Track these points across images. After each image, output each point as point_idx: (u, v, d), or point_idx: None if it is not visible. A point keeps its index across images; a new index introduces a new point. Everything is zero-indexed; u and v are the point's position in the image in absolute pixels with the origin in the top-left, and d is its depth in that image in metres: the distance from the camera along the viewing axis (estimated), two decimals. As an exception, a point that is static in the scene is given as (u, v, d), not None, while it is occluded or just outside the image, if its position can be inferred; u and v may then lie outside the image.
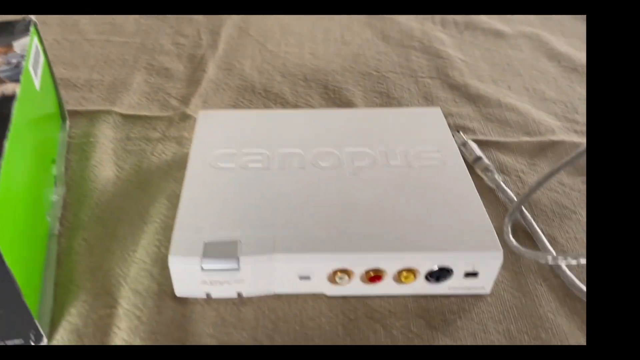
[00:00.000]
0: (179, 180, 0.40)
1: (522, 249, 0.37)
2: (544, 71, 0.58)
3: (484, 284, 0.34)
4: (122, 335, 0.32)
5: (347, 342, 0.32)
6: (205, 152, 0.40)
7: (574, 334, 0.33)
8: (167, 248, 0.37)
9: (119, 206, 0.41)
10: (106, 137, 0.48)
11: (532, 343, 0.32)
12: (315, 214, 0.35)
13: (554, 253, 0.36)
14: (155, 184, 0.43)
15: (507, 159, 0.46)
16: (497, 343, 0.32)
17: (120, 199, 0.41)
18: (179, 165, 0.44)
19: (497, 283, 0.36)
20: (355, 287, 0.34)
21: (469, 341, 0.32)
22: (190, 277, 0.33)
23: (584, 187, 0.43)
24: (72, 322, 0.32)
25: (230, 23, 0.66)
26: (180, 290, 0.34)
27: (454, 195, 0.37)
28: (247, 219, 0.34)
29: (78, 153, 0.46)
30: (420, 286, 0.34)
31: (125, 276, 0.35)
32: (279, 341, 0.32)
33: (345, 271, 0.33)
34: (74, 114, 0.50)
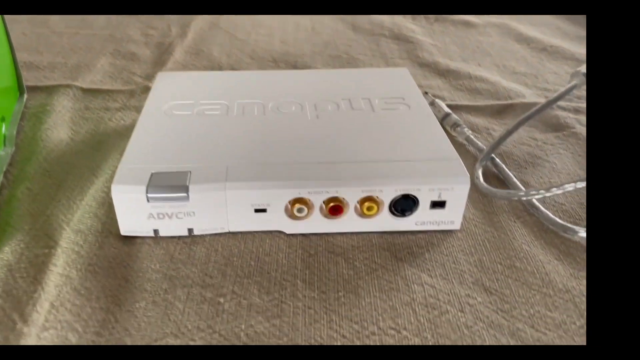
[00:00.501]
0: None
1: (493, 189, 0.35)
2: (514, 51, 0.58)
3: (453, 217, 0.32)
4: (58, 270, 0.29)
5: (306, 275, 0.29)
6: (161, 103, 0.38)
7: (551, 263, 0.30)
8: (115, 193, 0.35)
9: (70, 162, 0.39)
10: (64, 107, 0.46)
11: (506, 272, 0.30)
12: (273, 147, 0.33)
13: (527, 189, 0.34)
14: (111, 143, 0.41)
15: (477, 120, 0.45)
16: (467, 274, 0.29)
17: (72, 156, 0.39)
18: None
19: (467, 220, 0.33)
20: (316, 223, 0.32)
21: (438, 272, 0.30)
22: (136, 210, 0.30)
23: (556, 141, 0.42)
24: (4, 258, 0.30)
25: (201, 18, 0.66)
26: (125, 226, 0.31)
27: (419, 132, 0.35)
28: (200, 152, 0.32)
29: (32, 120, 0.44)
30: (385, 220, 0.32)
31: (69, 221, 0.33)
32: (232, 275, 0.29)
33: (303, 202, 0.31)
34: (33, 89, 0.48)
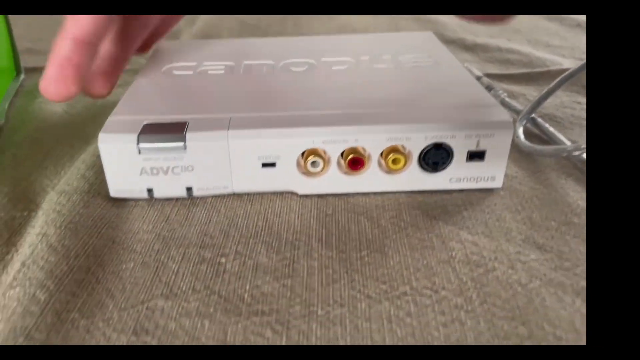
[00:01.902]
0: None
1: (538, 147, 0.30)
2: (546, 28, 0.54)
3: (494, 172, 0.27)
4: (35, 231, 0.25)
5: (322, 235, 0.25)
6: (160, 65, 0.35)
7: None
8: (108, 156, 0.31)
9: (61, 132, 0.35)
10: (61, 84, 0.42)
11: (562, 229, 0.25)
12: (285, 99, 0.29)
13: (578, 143, 0.30)
14: (107, 115, 0.37)
15: (511, 87, 0.40)
16: (515, 232, 0.25)
17: (64, 127, 0.36)
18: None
19: (510, 179, 0.29)
20: (333, 181, 0.27)
21: (479, 230, 0.25)
22: (127, 165, 0.26)
23: (604, 105, 0.37)
24: (-25, 219, 0.26)
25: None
26: (115, 186, 0.27)
27: (450, 83, 0.31)
28: (200, 105, 0.29)
29: (26, 96, 0.41)
30: (414, 177, 0.27)
31: (54, 185, 0.29)
32: (235, 236, 0.25)
33: (318, 153, 0.26)
34: (31, 70, 0.45)
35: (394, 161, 0.26)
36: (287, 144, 0.26)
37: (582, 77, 0.41)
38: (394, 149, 0.26)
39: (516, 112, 0.35)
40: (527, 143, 0.31)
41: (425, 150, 0.27)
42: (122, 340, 0.19)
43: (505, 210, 0.26)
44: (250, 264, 0.23)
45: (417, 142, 0.26)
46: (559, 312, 0.20)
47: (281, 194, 0.28)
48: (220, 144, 0.26)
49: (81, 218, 0.25)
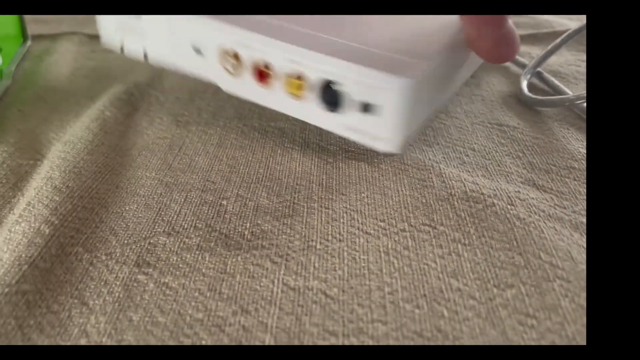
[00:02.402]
0: (144, 74, 0.35)
1: (541, 98, 0.30)
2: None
3: (387, 133, 0.23)
4: (40, 176, 0.25)
5: (323, 180, 0.25)
6: None
7: (616, 162, 0.25)
8: (111, 111, 0.31)
9: (68, 90, 0.35)
10: (67, 49, 0.43)
11: (562, 173, 0.25)
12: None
13: (581, 93, 0.30)
14: (114, 76, 0.38)
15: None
16: (515, 175, 0.25)
17: (70, 86, 0.36)
18: (146, 65, 0.39)
19: (512, 129, 0.29)
20: (247, 86, 0.27)
21: (480, 172, 0.25)
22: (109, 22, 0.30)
23: (610, 61, 0.37)
24: (-18, 166, 0.26)
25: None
26: (104, 37, 0.31)
27: (421, 28, 0.27)
28: None
29: (33, 60, 0.41)
30: (313, 110, 0.25)
31: (59, 138, 0.29)
32: (237, 181, 0.25)
33: (233, 54, 0.26)
34: (38, 37, 0.46)
35: (291, 85, 0.25)
36: (210, 37, 0.26)
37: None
38: (296, 74, 0.25)
39: (523, 67, 0.35)
40: (530, 95, 0.31)
41: (323, 87, 0.24)
42: (125, 272, 0.20)
43: (506, 157, 0.26)
44: (251, 205, 0.23)
45: (313, 74, 0.24)
46: (557, 243, 0.20)
47: (282, 143, 0.28)
48: (164, 23, 0.28)
49: (85, 164, 0.26)
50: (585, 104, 0.29)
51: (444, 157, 0.26)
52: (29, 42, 0.44)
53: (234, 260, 0.20)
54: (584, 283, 0.18)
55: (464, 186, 0.24)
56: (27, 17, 0.50)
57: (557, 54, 0.38)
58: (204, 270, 0.20)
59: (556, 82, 0.33)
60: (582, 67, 0.36)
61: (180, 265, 0.20)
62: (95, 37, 0.46)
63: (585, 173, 0.25)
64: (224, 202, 0.24)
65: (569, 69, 0.36)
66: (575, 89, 0.33)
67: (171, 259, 0.20)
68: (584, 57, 0.38)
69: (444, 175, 0.24)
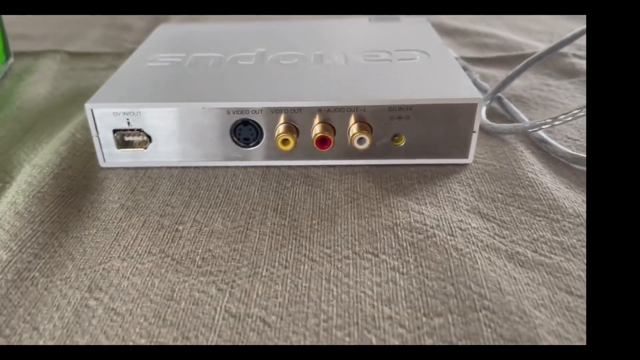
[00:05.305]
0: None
1: (496, 124, 0.31)
2: (527, 14, 0.54)
3: None
4: (5, 200, 0.26)
5: (279, 205, 0.26)
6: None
7: (561, 190, 0.26)
8: (81, 133, 0.32)
9: (43, 111, 0.37)
10: (49, 68, 0.44)
11: (507, 200, 0.26)
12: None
13: (533, 121, 0.31)
14: (89, 96, 0.39)
15: (485, 70, 0.41)
16: (462, 202, 0.26)
17: (46, 106, 0.37)
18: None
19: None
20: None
21: (428, 200, 0.26)
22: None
23: (571, 87, 0.38)
24: (-49, 189, 0.27)
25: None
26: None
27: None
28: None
29: (14, 79, 0.42)
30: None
31: (30, 160, 0.30)
32: (195, 206, 0.26)
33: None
34: (21, 54, 0.47)
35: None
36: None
37: (554, 61, 0.41)
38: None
39: (484, 92, 0.36)
40: (487, 121, 0.32)
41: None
42: (77, 297, 0.21)
43: (457, 184, 0.27)
44: (206, 230, 0.24)
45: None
46: (488, 274, 0.21)
47: (244, 167, 0.29)
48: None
49: (50, 188, 0.27)
50: (537, 131, 0.30)
51: (396, 185, 0.27)
52: (11, 60, 0.45)
53: (181, 286, 0.21)
54: (507, 314, 0.19)
55: (409, 216, 0.25)
56: (11, 33, 0.51)
57: (522, 78, 0.39)
58: (152, 296, 0.21)
59: (514, 108, 0.34)
60: (545, 92, 0.37)
61: (130, 291, 0.21)
62: (76, 55, 0.47)
63: (527, 201, 0.26)
64: (180, 227, 0.25)
65: (532, 93, 0.37)
66: (535, 114, 0.34)
67: (122, 285, 0.21)
68: (549, 81, 0.39)
69: (392, 204, 0.25)
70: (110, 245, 0.24)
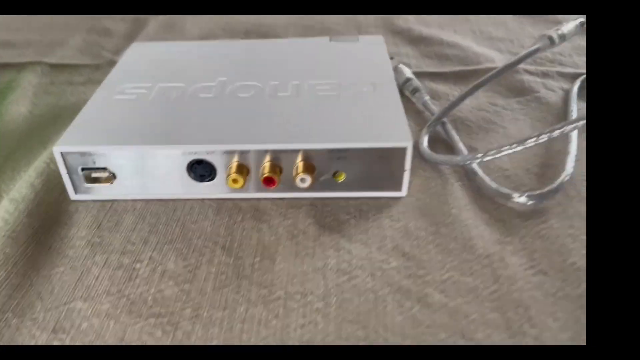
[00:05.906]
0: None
1: (434, 155, 0.34)
2: (495, 17, 0.56)
3: None
4: (-16, 238, 0.29)
5: (227, 242, 0.29)
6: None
7: (478, 228, 0.29)
8: (55, 164, 0.35)
9: (23, 135, 0.39)
10: (29, 82, 0.47)
11: (429, 238, 0.29)
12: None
13: (465, 155, 0.33)
14: (67, 117, 0.41)
15: (439, 87, 0.43)
16: (388, 239, 0.29)
17: (26, 129, 0.40)
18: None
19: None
20: None
21: (359, 238, 0.29)
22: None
23: (517, 107, 0.40)
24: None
25: None
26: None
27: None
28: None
29: (-3, 96, 0.45)
30: None
31: (9, 191, 0.33)
32: (153, 242, 0.29)
33: None
34: (4, 66, 0.49)
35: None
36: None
37: (506, 76, 0.43)
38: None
39: (433, 115, 0.39)
40: (428, 151, 0.35)
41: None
42: (43, 338, 0.24)
43: (388, 219, 0.30)
44: (160, 269, 0.28)
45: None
46: (395, 318, 0.24)
47: (202, 200, 0.32)
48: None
49: (23, 227, 0.30)
50: (470, 164, 0.32)
51: (334, 221, 0.30)
52: (-6, 73, 0.48)
53: (132, 328, 0.25)
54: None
55: (339, 256, 0.28)
56: (-4, 42, 0.53)
57: (474, 96, 0.42)
58: (106, 337, 0.24)
59: (455, 135, 0.36)
60: (490, 113, 0.40)
61: (89, 332, 0.25)
62: (56, 66, 0.49)
63: (446, 239, 0.29)
64: (138, 266, 0.28)
65: (478, 115, 0.40)
66: (475, 140, 0.37)
67: (82, 326, 0.25)
68: (497, 100, 0.41)
69: (325, 243, 0.29)
70: (75, 285, 0.27)
